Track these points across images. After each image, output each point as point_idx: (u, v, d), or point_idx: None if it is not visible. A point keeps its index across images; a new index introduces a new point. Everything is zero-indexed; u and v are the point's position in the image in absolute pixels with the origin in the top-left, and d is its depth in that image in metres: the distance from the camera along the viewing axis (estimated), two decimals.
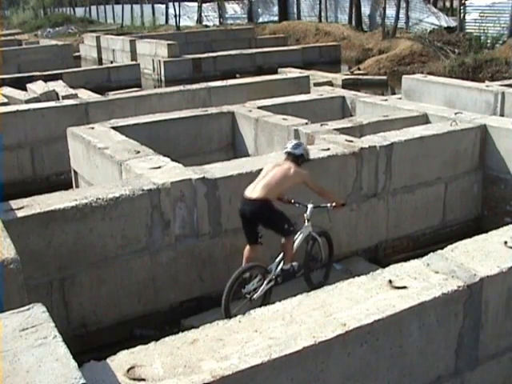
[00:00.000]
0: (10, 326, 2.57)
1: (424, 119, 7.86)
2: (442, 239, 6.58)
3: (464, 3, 23.24)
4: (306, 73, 13.94)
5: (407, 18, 25.84)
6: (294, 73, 15.23)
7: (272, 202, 5.14)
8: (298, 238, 5.47)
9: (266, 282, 5.24)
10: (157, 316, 5.42)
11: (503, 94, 8.79)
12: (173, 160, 5.98)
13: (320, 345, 2.82)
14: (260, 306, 5.05)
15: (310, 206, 5.46)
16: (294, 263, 5.43)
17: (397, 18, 24.43)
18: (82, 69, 20.48)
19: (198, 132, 8.24)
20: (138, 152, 6.23)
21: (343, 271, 6.05)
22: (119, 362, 2.70)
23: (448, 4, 31.06)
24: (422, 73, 16.88)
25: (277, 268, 5.33)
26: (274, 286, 5.32)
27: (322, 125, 7.30)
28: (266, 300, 5.19)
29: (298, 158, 5.36)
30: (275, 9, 34.54)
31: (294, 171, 5.24)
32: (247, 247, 5.32)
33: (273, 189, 5.14)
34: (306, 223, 5.48)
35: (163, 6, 37.51)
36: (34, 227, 4.69)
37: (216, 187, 5.49)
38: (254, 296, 5.20)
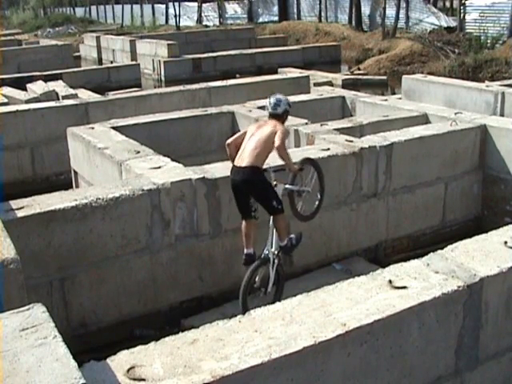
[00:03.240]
0: (10, 325, 2.57)
1: (424, 119, 7.86)
2: (441, 239, 6.58)
3: (464, 3, 23.24)
4: (305, 73, 13.94)
5: (407, 17, 25.84)
6: (293, 73, 15.22)
7: (261, 169, 5.02)
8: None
9: (271, 270, 5.18)
10: (157, 316, 5.42)
11: (503, 94, 8.79)
12: (173, 160, 5.98)
13: (320, 345, 2.82)
14: (276, 294, 5.22)
15: (271, 170, 5.24)
16: (292, 235, 5.28)
17: (397, 18, 24.42)
18: (82, 69, 20.47)
19: (198, 132, 8.24)
20: (138, 152, 6.23)
21: (343, 271, 6.05)
22: (119, 361, 2.70)
23: (448, 4, 31.06)
24: (422, 73, 16.89)
25: (273, 250, 5.18)
26: (279, 265, 5.25)
27: (322, 125, 7.30)
28: (279, 285, 5.20)
29: (281, 116, 5.22)
30: (275, 9, 34.54)
31: (278, 129, 5.04)
32: (243, 223, 5.17)
33: (260, 154, 4.98)
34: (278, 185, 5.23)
35: (163, 6, 37.51)
36: (34, 227, 4.69)
37: (216, 187, 5.49)
38: (269, 289, 5.19)
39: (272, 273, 5.20)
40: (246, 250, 5.18)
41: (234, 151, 5.21)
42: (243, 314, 4.83)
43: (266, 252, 5.20)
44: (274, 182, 5.18)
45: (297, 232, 5.38)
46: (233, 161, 5.17)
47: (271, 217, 5.13)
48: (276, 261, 5.22)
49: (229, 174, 5.31)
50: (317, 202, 5.58)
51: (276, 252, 5.20)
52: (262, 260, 5.17)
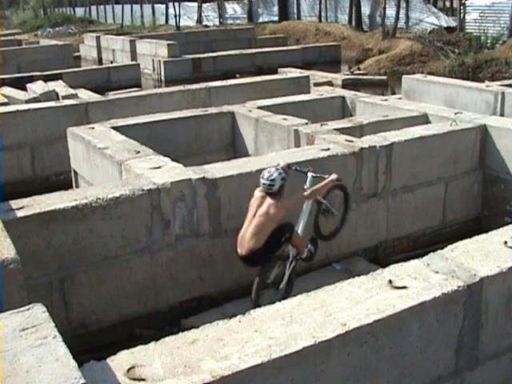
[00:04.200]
0: (10, 325, 2.57)
1: (424, 119, 7.86)
2: (441, 239, 6.58)
3: (464, 3, 23.24)
4: (306, 73, 13.94)
5: (407, 18, 25.84)
6: (293, 73, 15.22)
7: (262, 246, 5.02)
8: (305, 214, 5.48)
9: (288, 269, 5.34)
10: (157, 316, 5.42)
11: (503, 94, 8.79)
12: (173, 160, 5.98)
13: (320, 345, 2.82)
14: (287, 291, 5.29)
15: (309, 175, 5.44)
16: (309, 246, 5.52)
17: (397, 18, 24.42)
18: (82, 69, 20.47)
19: (198, 132, 8.24)
20: (138, 152, 6.23)
21: (343, 271, 6.05)
22: (119, 361, 2.70)
23: (448, 4, 31.02)
24: (422, 73, 16.88)
25: (295, 252, 5.39)
26: (295, 268, 5.41)
27: (322, 125, 7.30)
28: (289, 285, 5.31)
29: (277, 193, 5.02)
30: (275, 9, 34.53)
31: (273, 212, 4.96)
32: None
33: (261, 236, 4.99)
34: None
35: (163, 6, 37.52)
36: (34, 227, 4.69)
37: (216, 187, 5.49)
38: (281, 286, 5.30)
39: (288, 271, 5.33)
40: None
41: None
42: (254, 307, 4.91)
43: (287, 250, 5.36)
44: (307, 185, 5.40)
45: (312, 239, 5.61)
46: None
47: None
48: (294, 262, 5.38)
49: (229, 173, 5.34)
50: (339, 224, 5.90)
51: (295, 254, 5.39)
52: (282, 257, 5.35)
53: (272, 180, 4.99)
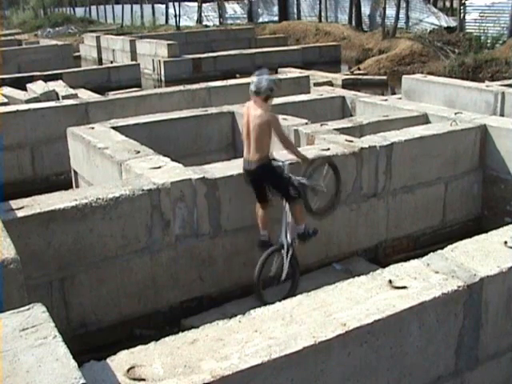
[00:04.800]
0: (10, 325, 2.57)
1: (424, 119, 7.86)
2: (441, 239, 6.58)
3: (464, 3, 23.23)
4: (306, 73, 13.93)
5: (407, 18, 25.82)
6: (294, 73, 15.21)
7: (269, 160, 5.19)
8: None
9: (285, 259, 5.32)
10: (157, 316, 5.42)
11: (503, 94, 8.79)
12: (173, 160, 5.98)
13: (320, 345, 2.82)
14: (292, 288, 5.30)
15: (286, 163, 5.40)
16: (305, 226, 5.48)
17: (397, 18, 24.40)
18: (82, 69, 20.45)
19: (198, 132, 8.24)
20: (138, 152, 6.23)
21: (343, 271, 6.05)
22: (119, 361, 2.70)
23: (448, 4, 31.05)
24: (422, 73, 16.88)
25: (288, 239, 5.35)
26: (294, 257, 5.38)
27: (322, 125, 7.30)
28: (295, 279, 5.34)
29: (264, 98, 5.18)
30: (275, 9, 34.51)
31: (262, 121, 5.12)
32: (257, 205, 5.38)
33: (262, 148, 5.15)
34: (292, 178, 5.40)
35: (163, 6, 37.49)
36: (33, 227, 4.69)
37: (216, 187, 5.49)
38: (282, 278, 5.32)
39: (286, 262, 5.33)
40: (261, 231, 5.36)
41: None
42: (260, 302, 4.93)
43: (280, 240, 5.33)
44: (289, 175, 5.32)
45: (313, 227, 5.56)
46: None
47: (286, 205, 5.29)
48: (290, 250, 5.34)
49: (229, 173, 5.33)
50: (332, 201, 5.76)
51: (290, 241, 5.32)
52: (277, 247, 5.33)
53: (259, 79, 5.18)
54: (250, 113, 5.26)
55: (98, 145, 6.57)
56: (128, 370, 2.63)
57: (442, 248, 3.76)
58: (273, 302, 3.22)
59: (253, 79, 5.28)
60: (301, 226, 5.38)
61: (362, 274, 3.47)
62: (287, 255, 5.35)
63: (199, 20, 36.41)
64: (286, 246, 5.35)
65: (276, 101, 9.02)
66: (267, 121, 5.12)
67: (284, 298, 5.21)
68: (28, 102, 11.53)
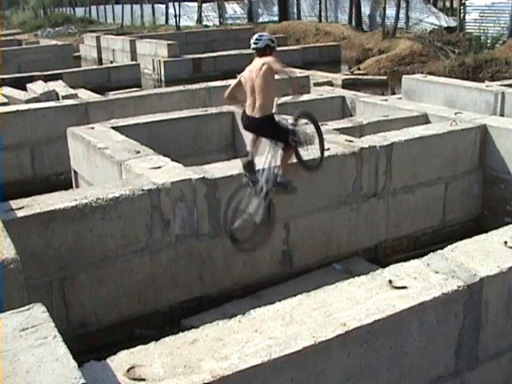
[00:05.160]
0: (10, 325, 2.57)
1: (424, 119, 7.86)
2: (441, 239, 6.58)
3: (464, 3, 23.23)
4: (306, 73, 13.93)
5: (407, 18, 25.82)
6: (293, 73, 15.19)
7: (271, 115, 5.24)
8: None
9: (263, 202, 5.27)
10: (157, 316, 5.42)
11: (503, 94, 8.78)
12: (173, 160, 5.98)
13: (320, 345, 2.82)
14: (267, 223, 5.24)
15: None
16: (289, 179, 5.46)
17: (397, 18, 24.41)
18: (82, 69, 20.46)
19: (198, 132, 8.24)
20: (138, 152, 6.23)
21: (343, 271, 6.05)
22: (119, 361, 2.70)
23: (448, 4, 31.05)
24: (422, 73, 16.87)
25: (270, 184, 5.30)
26: (271, 201, 5.33)
27: (322, 125, 7.28)
28: (271, 215, 5.28)
29: (264, 50, 5.28)
30: (275, 9, 34.51)
31: (264, 69, 5.17)
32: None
33: (266, 101, 5.20)
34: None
35: (163, 6, 37.49)
36: (33, 227, 4.69)
37: (216, 187, 5.49)
38: (257, 219, 5.24)
39: (263, 206, 5.25)
40: (249, 148, 5.39)
41: (235, 101, 5.55)
42: (229, 239, 4.90)
43: (261, 179, 5.28)
44: (288, 125, 5.40)
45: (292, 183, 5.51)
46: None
47: (278, 151, 5.30)
48: (269, 195, 5.30)
49: (229, 173, 5.32)
50: (320, 152, 5.78)
51: (272, 187, 5.29)
52: (256, 182, 5.26)
53: (259, 36, 5.36)
54: (253, 69, 5.29)
55: (97, 145, 6.56)
56: (128, 370, 2.63)
57: (441, 248, 3.76)
58: (273, 302, 3.22)
59: (252, 40, 5.38)
60: (284, 178, 5.37)
61: (362, 274, 3.46)
62: (265, 200, 5.28)
63: (199, 20, 36.42)
64: (264, 190, 5.28)
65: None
66: (269, 68, 5.17)
67: (258, 245, 5.18)
68: (28, 102, 11.53)
